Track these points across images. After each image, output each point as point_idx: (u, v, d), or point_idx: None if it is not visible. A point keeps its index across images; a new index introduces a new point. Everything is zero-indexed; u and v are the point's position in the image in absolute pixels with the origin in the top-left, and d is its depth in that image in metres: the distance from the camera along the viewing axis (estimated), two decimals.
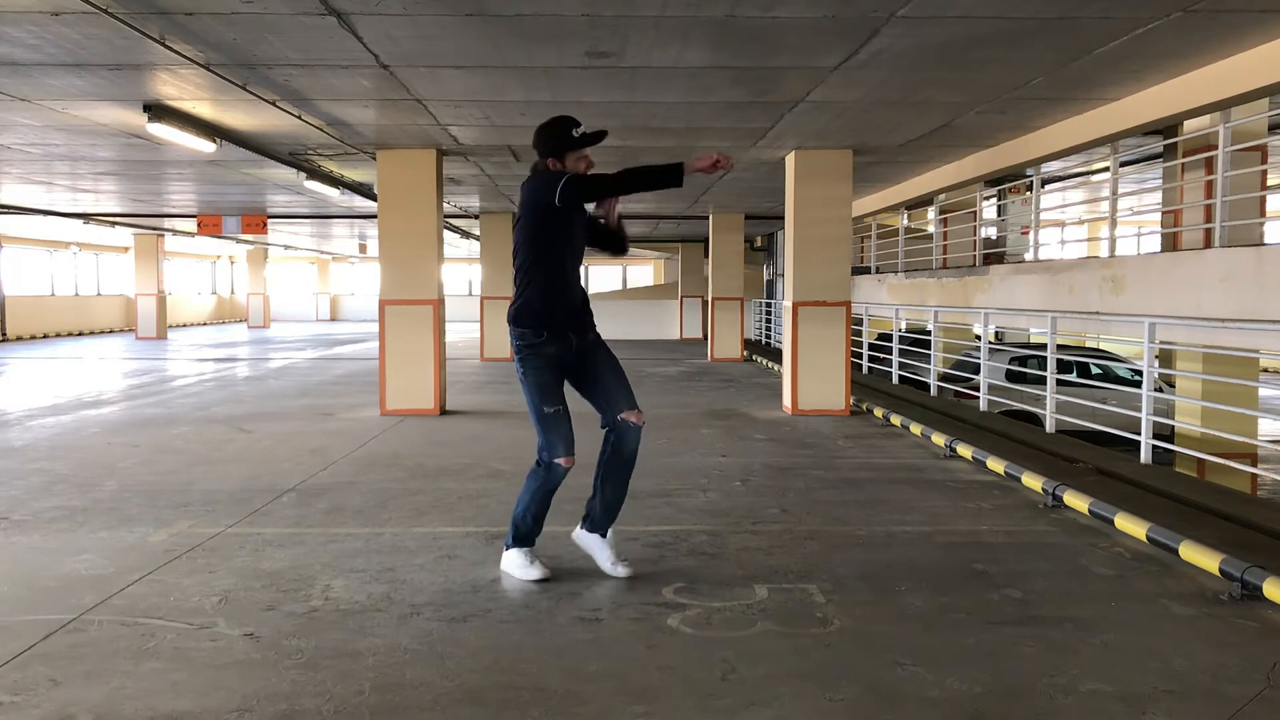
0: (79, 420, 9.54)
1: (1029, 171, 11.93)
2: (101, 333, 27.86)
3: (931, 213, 15.89)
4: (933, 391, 11.69)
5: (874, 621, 3.80)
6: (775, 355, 16.38)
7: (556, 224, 4.12)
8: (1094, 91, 7.40)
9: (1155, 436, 7.31)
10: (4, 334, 23.54)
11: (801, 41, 5.95)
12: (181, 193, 15.12)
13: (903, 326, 13.94)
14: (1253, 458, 9.92)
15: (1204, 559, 4.38)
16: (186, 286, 35.23)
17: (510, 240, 16.63)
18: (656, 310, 24.86)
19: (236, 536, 5.03)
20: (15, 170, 12.06)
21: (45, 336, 25.18)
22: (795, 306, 10.15)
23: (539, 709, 3.00)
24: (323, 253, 35.57)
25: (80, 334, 26.79)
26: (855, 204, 14.68)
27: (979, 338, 12.20)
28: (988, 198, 14.73)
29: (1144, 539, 4.88)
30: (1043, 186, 13.23)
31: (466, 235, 21.98)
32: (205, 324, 35.68)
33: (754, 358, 17.63)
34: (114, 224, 20.02)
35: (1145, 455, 6.96)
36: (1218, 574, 4.25)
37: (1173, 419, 10.05)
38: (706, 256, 19.48)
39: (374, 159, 10.14)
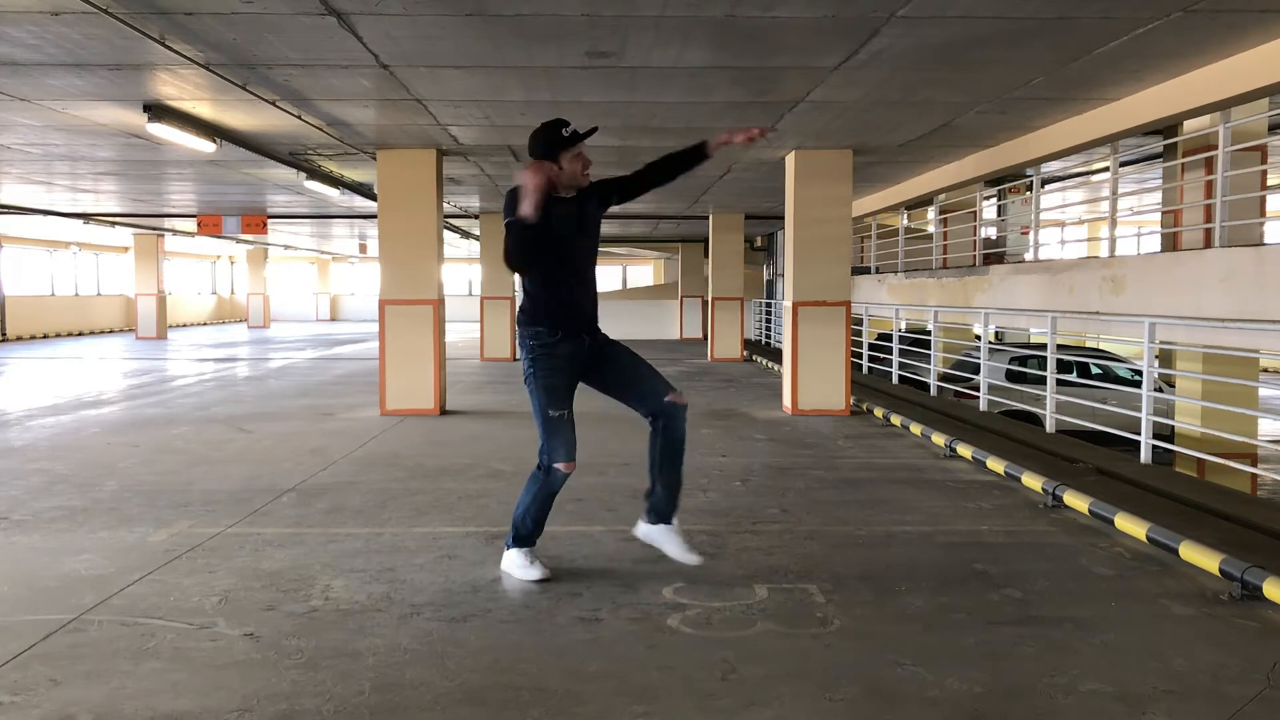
0: (79, 420, 9.54)
1: (1029, 171, 11.93)
2: (101, 333, 27.86)
3: (931, 213, 15.89)
4: (933, 391, 11.69)
5: (874, 621, 3.80)
6: (775, 355, 16.38)
7: (533, 235, 3.96)
8: (1094, 91, 7.40)
9: (1155, 436, 7.31)
10: (4, 334, 23.54)
11: (801, 41, 5.95)
12: (181, 193, 15.12)
13: (903, 326, 13.94)
14: (1253, 458, 9.92)
15: (1204, 559, 4.38)
16: (186, 286, 35.23)
17: None
18: (656, 310, 24.86)
19: (236, 536, 5.03)
20: (15, 170, 12.06)
21: (45, 336, 25.18)
22: (795, 306, 10.15)
23: (539, 709, 3.00)
24: (323, 253, 35.57)
25: (80, 334, 26.79)
26: (855, 204, 14.67)
27: (979, 338, 12.20)
28: (988, 198, 14.73)
29: (1144, 539, 4.88)
30: (1043, 186, 13.23)
31: (466, 235, 21.98)
32: (205, 324, 35.68)
33: (754, 358, 17.63)
34: (114, 224, 20.02)
35: (1145, 455, 6.96)
36: (1218, 574, 4.25)
37: (1173, 419, 10.05)
38: (706, 256, 19.49)
39: (374, 159, 10.14)
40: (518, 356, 18.26)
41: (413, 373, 10.00)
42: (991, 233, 15.43)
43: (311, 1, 5.14)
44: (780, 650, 3.49)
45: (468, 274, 37.52)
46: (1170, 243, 10.29)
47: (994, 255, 14.28)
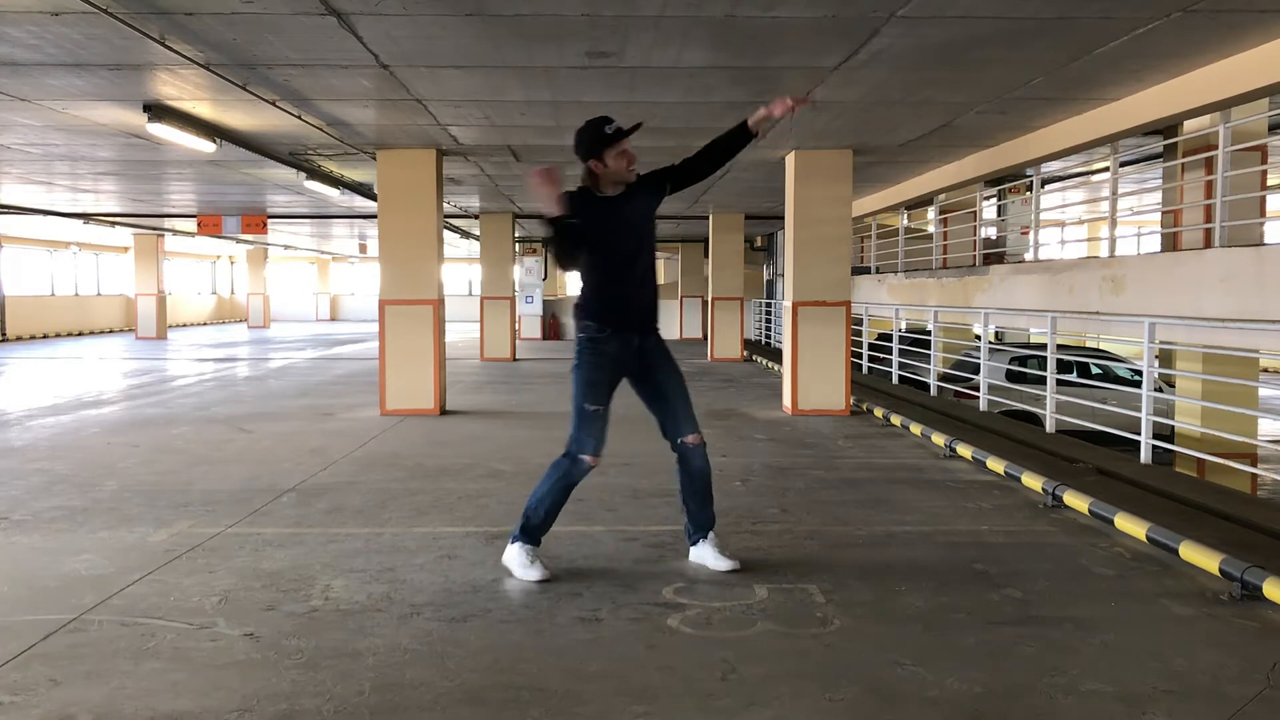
0: (79, 420, 9.54)
1: (1029, 171, 11.93)
2: (101, 333, 27.86)
3: (931, 213, 15.89)
4: (933, 391, 11.69)
5: (874, 621, 3.80)
6: (775, 355, 16.38)
7: (572, 234, 4.11)
8: (1094, 91, 7.40)
9: (1155, 436, 7.31)
10: (4, 334, 23.54)
11: (801, 41, 5.95)
12: (181, 193, 15.12)
13: (903, 326, 13.94)
14: (1253, 458, 9.92)
15: (1204, 559, 4.38)
16: (186, 286, 35.23)
17: (511, 240, 16.56)
18: None
19: (236, 536, 5.03)
20: (15, 170, 12.06)
21: (45, 336, 25.18)
22: (795, 306, 10.15)
23: (539, 709, 3.00)
24: (323, 253, 35.57)
25: (80, 334, 26.79)
26: (855, 204, 14.66)
27: (979, 338, 12.19)
28: (988, 198, 14.73)
29: (1144, 539, 4.88)
30: (1043, 186, 13.22)
31: (466, 235, 21.98)
32: (205, 324, 35.68)
33: (754, 358, 17.63)
34: (114, 224, 20.02)
35: (1145, 455, 6.96)
36: (1218, 574, 4.25)
37: (1173, 419, 10.05)
38: (706, 256, 19.49)
39: (374, 159, 10.14)
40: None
41: (413, 373, 10.00)
42: (991, 233, 15.43)
43: (311, 1, 5.14)
44: (780, 650, 3.49)
45: (468, 274, 37.51)
46: (1170, 243, 10.29)
47: (994, 255, 14.28)
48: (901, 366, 13.17)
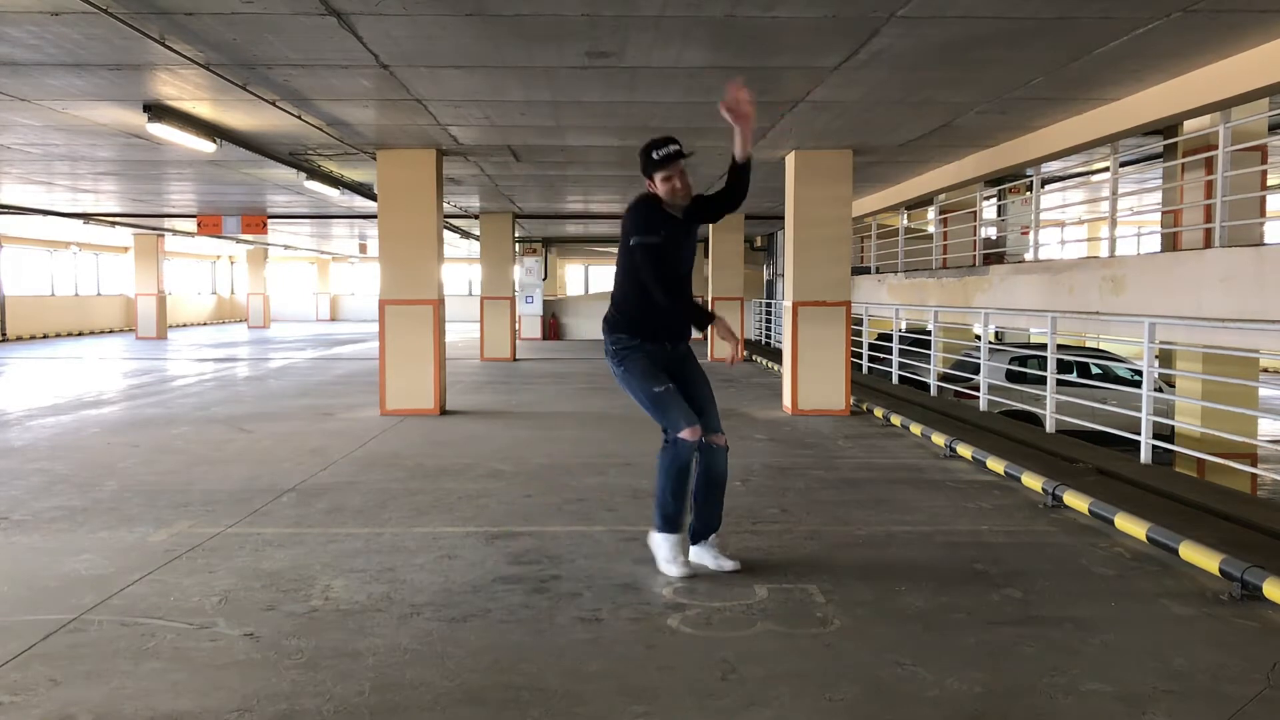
0: (79, 420, 9.54)
1: (1029, 171, 11.93)
2: (101, 333, 27.86)
3: (931, 213, 15.89)
4: (933, 391, 11.69)
5: (874, 621, 3.80)
6: (775, 355, 16.38)
7: (657, 253, 4.18)
8: (1094, 91, 7.40)
9: (1155, 436, 7.31)
10: (4, 334, 23.54)
11: (801, 41, 5.94)
12: (181, 193, 15.12)
13: (903, 326, 13.94)
14: (1253, 458, 9.92)
15: (1204, 559, 4.38)
16: (186, 286, 35.23)
17: (511, 240, 16.54)
18: None
19: (236, 536, 5.03)
20: (15, 170, 12.06)
21: (45, 336, 25.18)
22: (795, 306, 10.15)
23: (539, 709, 3.00)
24: (323, 253, 35.57)
25: (80, 334, 26.79)
26: (855, 204, 14.66)
27: (979, 338, 12.19)
28: (988, 198, 14.73)
29: (1144, 539, 4.88)
30: (1043, 186, 13.22)
31: (466, 235, 21.98)
32: (205, 324, 35.68)
33: (754, 358, 17.63)
34: (114, 224, 20.02)
35: (1145, 455, 6.96)
36: (1218, 574, 4.25)
37: (1173, 419, 10.05)
38: (706, 256, 19.47)
39: (374, 159, 10.14)
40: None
41: (413, 373, 10.00)
42: (991, 233, 15.43)
43: (311, 1, 5.14)
44: (780, 650, 3.49)
45: (468, 274, 37.52)
46: (1170, 243, 10.29)
47: (994, 255, 14.28)
48: (901, 366, 13.17)
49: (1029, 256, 13.13)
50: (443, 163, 10.27)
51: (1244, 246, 7.85)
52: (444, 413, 10.10)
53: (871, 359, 14.95)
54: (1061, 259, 13.42)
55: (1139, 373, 9.58)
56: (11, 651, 3.42)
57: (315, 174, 11.19)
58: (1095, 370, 12.53)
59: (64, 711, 2.96)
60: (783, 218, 12.24)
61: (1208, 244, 9.00)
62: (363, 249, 31.25)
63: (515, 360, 17.58)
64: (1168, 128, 9.27)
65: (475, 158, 10.69)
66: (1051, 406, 8.55)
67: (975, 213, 14.22)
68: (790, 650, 3.49)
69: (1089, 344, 14.49)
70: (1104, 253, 10.38)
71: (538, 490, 6.22)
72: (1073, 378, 11.24)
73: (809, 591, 4.15)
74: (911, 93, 7.40)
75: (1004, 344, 15.52)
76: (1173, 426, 9.78)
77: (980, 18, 5.45)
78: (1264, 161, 9.80)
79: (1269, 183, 12.67)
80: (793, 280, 10.21)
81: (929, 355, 12.11)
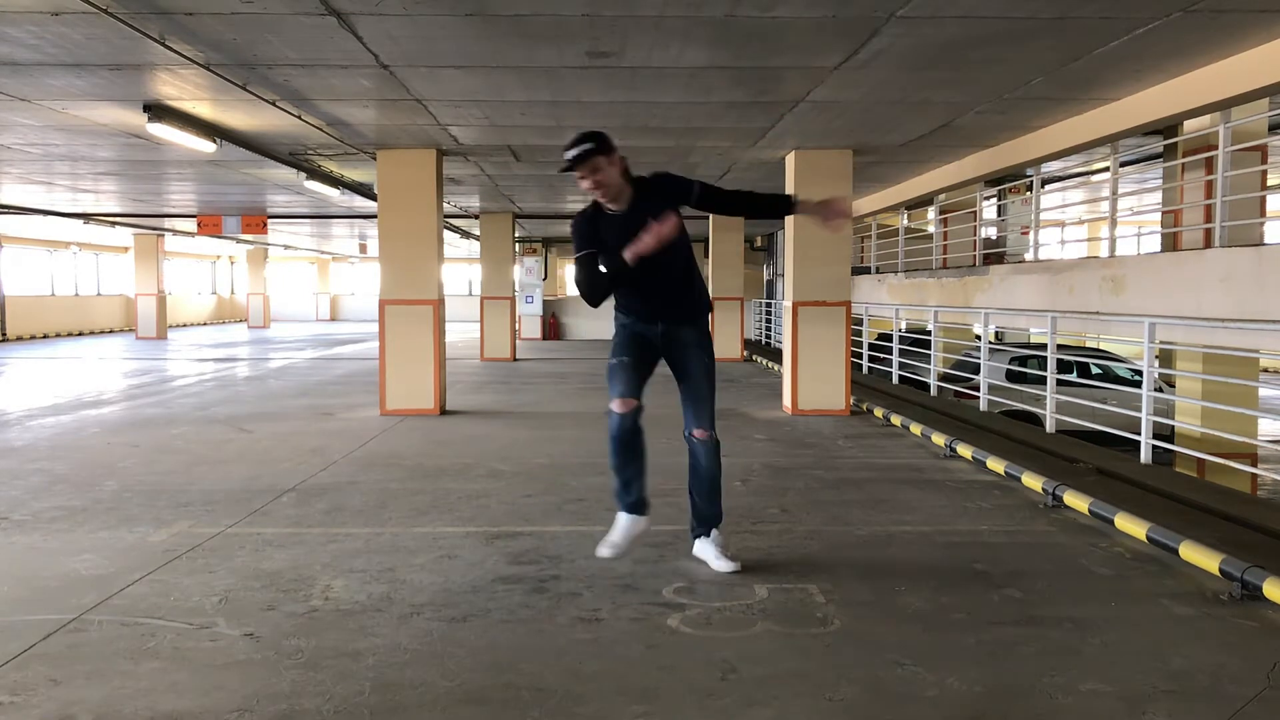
0: (79, 420, 9.54)
1: (1029, 171, 11.93)
2: (101, 333, 27.86)
3: (931, 213, 15.89)
4: (933, 391, 11.69)
5: (874, 621, 3.80)
6: (775, 355, 16.38)
7: (588, 263, 4.15)
8: (1094, 91, 7.40)
9: (1155, 436, 7.31)
10: (4, 334, 23.54)
11: (801, 41, 5.94)
12: (181, 193, 15.12)
13: (903, 326, 13.93)
14: (1253, 458, 9.92)
15: (1204, 559, 4.38)
16: (186, 286, 35.22)
17: (511, 240, 16.55)
18: None
19: (236, 536, 5.03)
20: (15, 170, 12.07)
21: (45, 336, 25.17)
22: (795, 306, 10.15)
23: (539, 709, 3.00)
24: (323, 253, 35.57)
25: (80, 334, 26.79)
26: (855, 204, 14.68)
27: (979, 338, 12.19)
28: (988, 198, 14.72)
29: (1144, 539, 4.88)
30: (1043, 186, 13.23)
31: (466, 235, 21.98)
32: (205, 324, 35.68)
33: (754, 358, 17.64)
34: (114, 224, 20.02)
35: (1145, 455, 6.95)
36: (1218, 574, 4.25)
37: (1173, 419, 10.05)
38: (706, 256, 19.48)
39: (374, 159, 10.15)
40: (516, 357, 18.33)
41: (413, 373, 10.00)
42: (991, 233, 15.43)
43: (311, 1, 5.14)
44: (780, 650, 3.49)
45: (468, 274, 37.51)
46: (1170, 243, 10.29)
47: (994, 255, 14.27)
48: (901, 366, 13.17)
49: (1029, 256, 13.13)
50: (443, 163, 10.28)
51: (1244, 246, 7.85)
52: (444, 413, 10.10)
53: (871, 359, 14.95)
54: (1061, 259, 13.42)
55: (1139, 373, 9.58)
56: (11, 651, 3.42)
57: (315, 174, 11.19)
58: (1095, 370, 12.53)
59: (64, 711, 2.97)
60: (783, 218, 12.24)
61: (1208, 244, 9.00)
62: (363, 249, 31.25)
63: (515, 360, 17.58)
64: (1168, 128, 9.27)
65: (475, 158, 10.69)
66: (1051, 406, 8.55)
67: (975, 213, 14.22)
68: (790, 650, 3.49)
69: (1089, 344, 14.49)
70: (1104, 253, 10.38)
71: (538, 490, 6.22)
72: (1073, 378, 11.25)
73: (809, 591, 4.15)
74: (911, 93, 7.40)
75: (1004, 344, 15.52)
76: (1173, 426, 9.77)
77: (980, 18, 5.45)
78: (1264, 161, 9.79)
79: (1269, 183, 12.67)
80: (793, 280, 10.21)
81: (929, 355, 12.11)
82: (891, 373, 13.20)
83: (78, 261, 27.95)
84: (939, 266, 15.06)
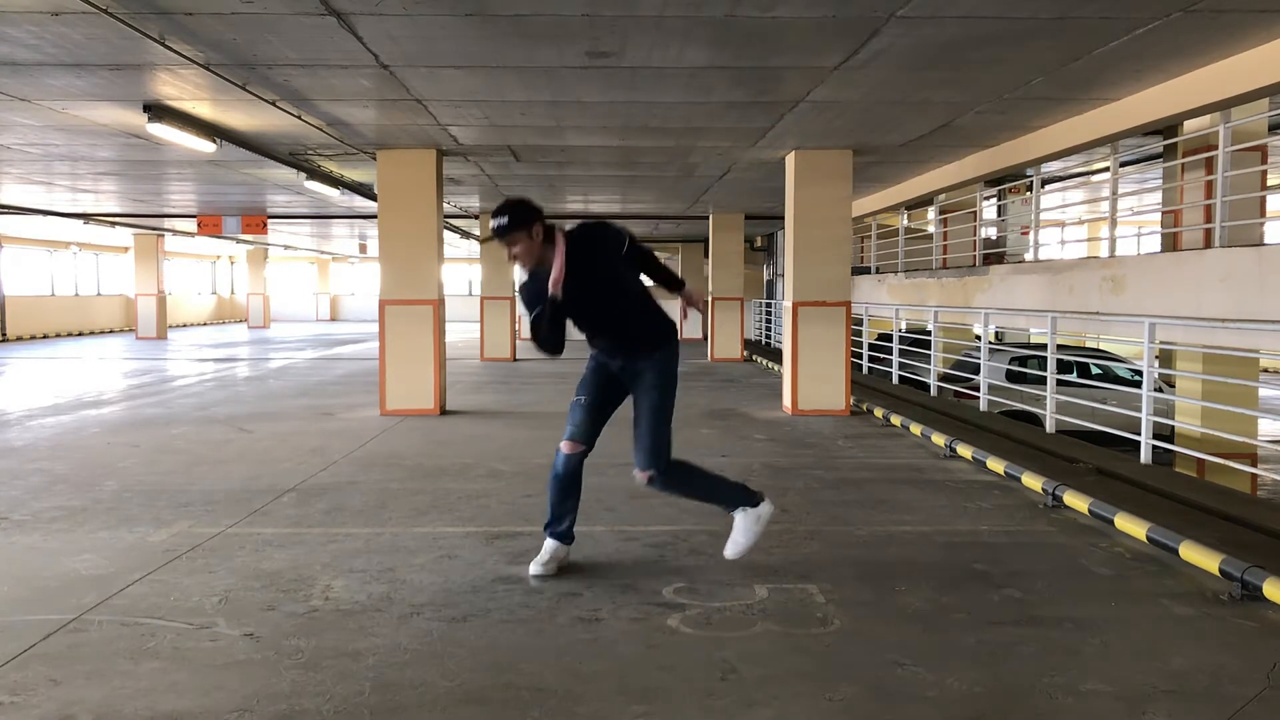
0: (79, 420, 9.54)
1: (1029, 171, 11.93)
2: (101, 333, 27.85)
3: (931, 213, 15.89)
4: (933, 391, 11.68)
5: (874, 621, 3.80)
6: (775, 355, 16.38)
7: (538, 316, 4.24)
8: (1094, 91, 7.40)
9: (1155, 436, 7.31)
10: (4, 334, 23.54)
11: (801, 41, 5.94)
12: (181, 193, 15.12)
13: (903, 326, 13.93)
14: (1253, 458, 9.92)
15: (1204, 559, 4.38)
16: (186, 286, 35.22)
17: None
18: None
19: (236, 536, 5.03)
20: (15, 170, 12.06)
21: (45, 336, 25.17)
22: (795, 306, 10.15)
23: (539, 709, 3.00)
24: (323, 253, 35.56)
25: (80, 334, 26.79)
26: (855, 204, 14.67)
27: (979, 338, 12.19)
28: (988, 198, 14.72)
29: (1144, 539, 4.88)
30: (1043, 186, 13.22)
31: (466, 235, 21.97)
32: (205, 324, 35.67)
33: (754, 358, 17.63)
34: (114, 224, 20.02)
35: (1145, 455, 6.95)
36: (1218, 574, 4.25)
37: (1173, 419, 10.05)
38: (706, 256, 19.48)
39: (374, 159, 10.15)
40: (516, 357, 18.35)
41: (413, 373, 10.00)
42: (991, 233, 15.43)
43: (311, 1, 5.14)
44: (780, 650, 3.49)
45: (468, 274, 37.52)
46: (1170, 243, 10.29)
47: (994, 255, 14.27)
48: (901, 366, 13.17)
49: (1029, 256, 13.13)
50: (443, 163, 10.28)
51: (1244, 246, 7.85)
52: (444, 413, 10.10)
53: (871, 359, 14.95)
54: (1061, 259, 13.42)
55: (1139, 373, 9.58)
56: (11, 651, 3.42)
57: (315, 174, 11.19)
58: (1095, 370, 12.53)
59: (64, 711, 2.97)
60: (783, 218, 12.25)
61: (1208, 244, 9.00)
62: (363, 249, 31.25)
63: (515, 360, 17.58)
64: (1168, 128, 9.27)
65: (475, 158, 10.69)
66: (1051, 406, 8.55)
67: (975, 213, 14.22)
68: (790, 650, 3.49)
69: (1089, 344, 14.49)
70: (1104, 253, 10.37)
71: (538, 490, 6.19)
72: (1073, 378, 11.24)
73: (809, 591, 4.15)
74: (911, 93, 7.40)
75: (1004, 344, 15.52)
76: (1173, 426, 9.78)
77: (980, 18, 5.45)
78: (1264, 161, 9.80)
79: (1269, 183, 12.67)
80: (793, 280, 10.21)
81: (929, 355, 12.11)
82: (891, 373, 13.20)
83: (78, 261, 27.95)
84: (939, 266, 15.06)
